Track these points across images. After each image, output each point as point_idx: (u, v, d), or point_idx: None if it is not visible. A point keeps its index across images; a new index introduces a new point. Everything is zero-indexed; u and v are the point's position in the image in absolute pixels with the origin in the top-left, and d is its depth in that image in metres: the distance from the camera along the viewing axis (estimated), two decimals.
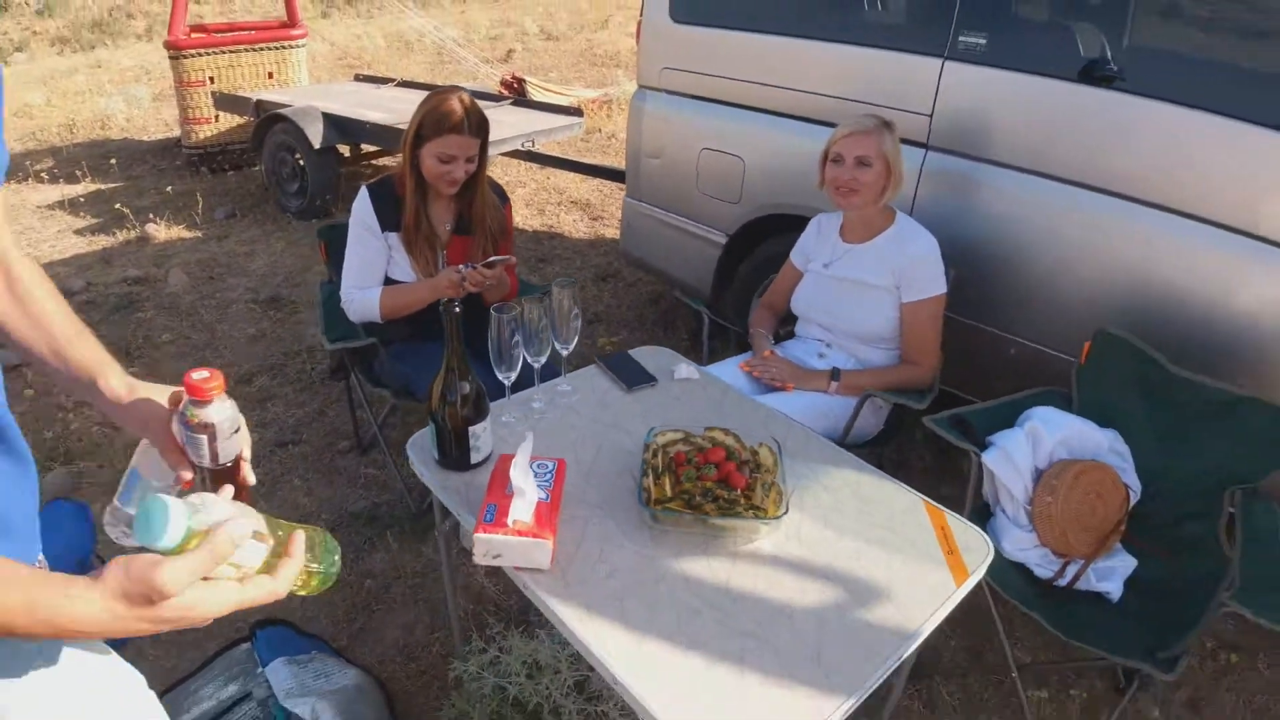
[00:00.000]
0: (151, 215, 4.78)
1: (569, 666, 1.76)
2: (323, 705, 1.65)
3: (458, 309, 1.29)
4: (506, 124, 4.51)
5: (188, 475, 0.89)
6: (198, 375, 0.83)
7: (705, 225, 3.04)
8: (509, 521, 1.15)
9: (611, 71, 9.67)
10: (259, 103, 4.80)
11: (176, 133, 6.28)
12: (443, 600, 2.10)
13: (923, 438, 2.70)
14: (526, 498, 1.17)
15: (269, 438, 2.78)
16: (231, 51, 5.38)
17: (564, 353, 1.58)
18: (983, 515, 1.82)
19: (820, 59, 2.58)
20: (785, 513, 1.25)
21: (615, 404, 1.67)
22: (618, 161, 5.46)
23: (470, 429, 1.33)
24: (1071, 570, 1.70)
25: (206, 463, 0.87)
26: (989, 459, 1.71)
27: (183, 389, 0.85)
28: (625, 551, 1.24)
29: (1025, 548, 1.72)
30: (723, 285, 2.99)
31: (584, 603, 1.14)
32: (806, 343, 2.23)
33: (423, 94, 5.04)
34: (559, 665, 1.77)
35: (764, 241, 2.84)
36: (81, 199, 5.19)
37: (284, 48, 5.60)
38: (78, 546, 1.64)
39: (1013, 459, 1.71)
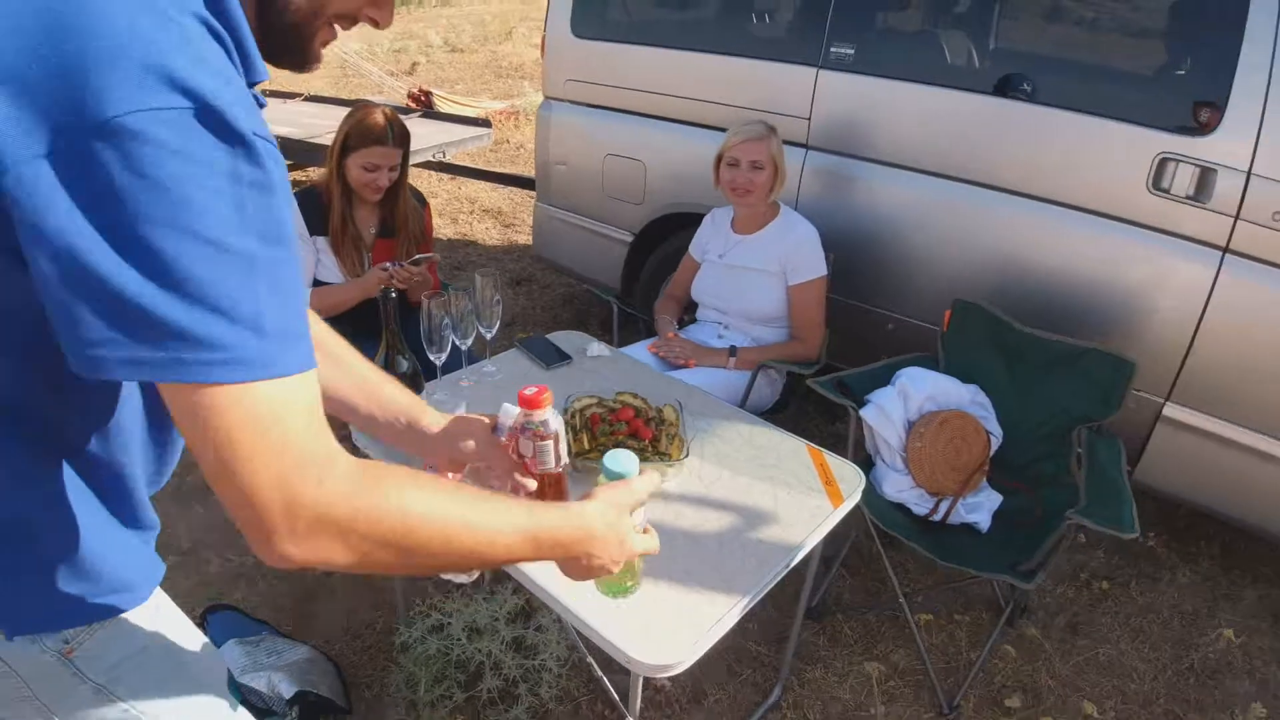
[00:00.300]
0: None
1: (506, 625, 1.94)
2: (279, 676, 1.77)
3: (394, 295, 1.46)
4: (418, 136, 4.60)
5: (532, 485, 1.03)
6: (530, 390, 0.97)
7: (612, 225, 3.26)
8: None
9: (518, 83, 9.83)
10: None
11: None
12: (384, 584, 2.25)
13: (815, 409, 2.98)
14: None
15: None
16: None
17: (488, 336, 1.77)
18: (866, 466, 2.09)
19: (711, 70, 2.85)
20: (686, 457, 1.47)
21: (536, 380, 1.86)
22: (527, 170, 5.64)
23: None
24: (944, 506, 1.98)
25: (551, 466, 1.01)
26: (866, 413, 1.98)
27: (509, 408, 1.00)
28: None
29: (903, 489, 1.99)
30: (631, 280, 3.22)
31: None
32: (706, 326, 2.47)
33: (330, 107, 5.19)
34: (497, 626, 1.94)
35: (666, 238, 3.09)
36: None
37: None
38: None
39: (887, 412, 1.98)
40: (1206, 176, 2.03)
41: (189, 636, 0.93)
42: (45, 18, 0.54)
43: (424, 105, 6.54)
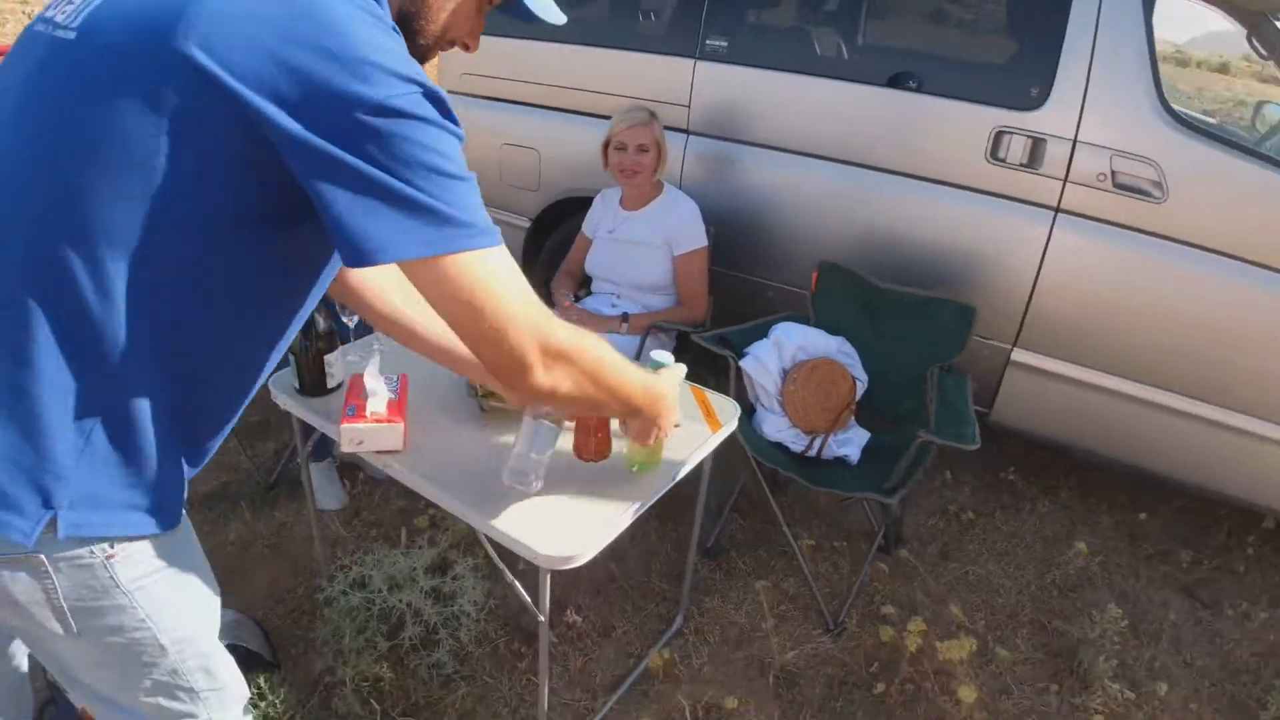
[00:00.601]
0: None
1: (425, 576, 2.08)
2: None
3: None
4: None
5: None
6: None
7: (510, 212, 3.42)
8: (367, 413, 1.47)
9: None
10: None
11: None
12: (301, 554, 2.35)
13: (705, 369, 3.20)
14: (379, 396, 1.50)
15: None
16: None
17: None
18: (750, 413, 2.33)
19: (599, 63, 3.05)
20: None
21: None
22: None
23: (325, 358, 1.64)
24: (818, 443, 2.24)
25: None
26: (745, 364, 2.22)
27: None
28: (461, 433, 1.60)
29: (781, 429, 2.24)
30: (531, 262, 3.38)
31: (432, 471, 1.48)
32: (600, 297, 2.67)
33: None
34: (415, 577, 2.08)
35: (562, 222, 3.27)
36: None
37: None
38: None
39: (763, 362, 2.22)
40: (1038, 146, 2.36)
41: (203, 569, 1.08)
42: (299, 23, 0.81)
43: None
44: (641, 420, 1.32)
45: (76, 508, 0.88)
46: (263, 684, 1.79)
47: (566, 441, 1.49)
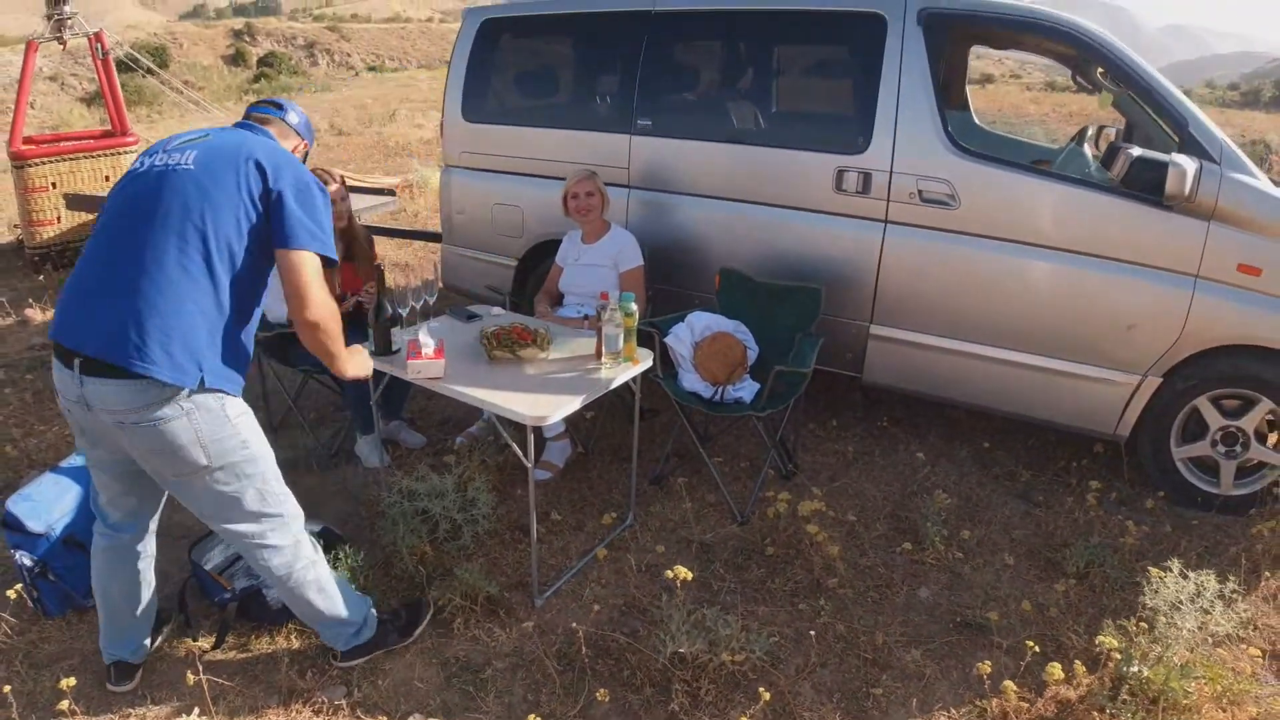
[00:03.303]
0: (30, 301, 5.71)
1: (454, 491, 3.16)
2: (308, 525, 2.95)
3: (383, 270, 2.75)
4: None
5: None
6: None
7: (501, 255, 4.61)
8: (423, 355, 2.61)
9: (406, 160, 11.19)
10: None
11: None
12: (361, 489, 3.44)
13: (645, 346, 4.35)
14: (429, 346, 2.64)
15: None
16: (72, 159, 6.43)
17: (431, 302, 3.07)
18: (674, 374, 3.44)
19: (563, 141, 4.28)
20: (549, 348, 2.81)
21: (463, 328, 3.17)
22: (428, 229, 6.96)
23: (390, 331, 2.79)
24: (720, 391, 3.35)
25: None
26: (667, 339, 3.35)
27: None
28: (476, 368, 2.75)
29: (694, 384, 3.35)
30: (521, 290, 4.54)
31: (462, 383, 2.61)
32: (570, 307, 3.83)
33: None
34: (447, 491, 3.16)
35: (542, 260, 4.44)
36: None
37: (119, 154, 6.71)
38: None
39: (680, 336, 3.36)
40: (867, 177, 3.54)
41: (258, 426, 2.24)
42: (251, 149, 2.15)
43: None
44: (339, 361, 2.30)
45: (210, 373, 2.03)
46: (347, 550, 2.84)
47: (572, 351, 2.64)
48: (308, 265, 2.07)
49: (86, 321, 1.98)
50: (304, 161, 2.37)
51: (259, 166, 2.07)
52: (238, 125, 2.33)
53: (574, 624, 2.58)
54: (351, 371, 2.37)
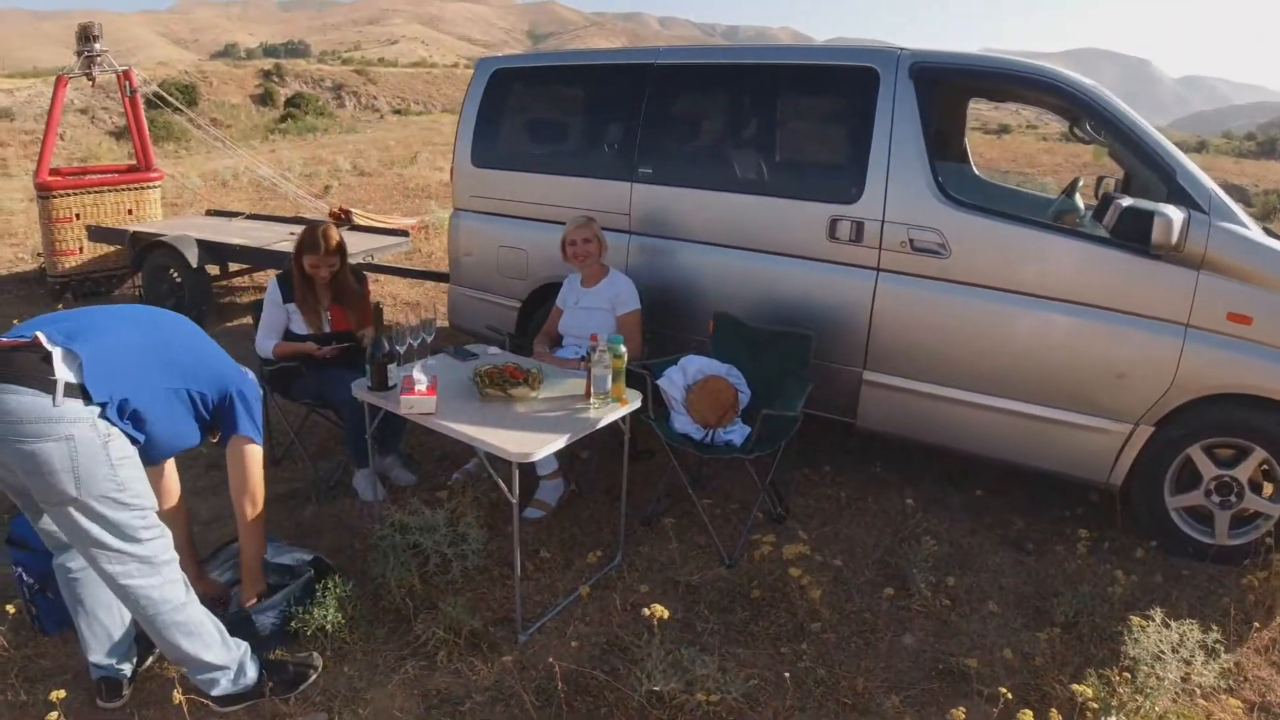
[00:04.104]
0: None
1: (445, 525, 3.23)
2: (299, 554, 3.03)
3: (383, 308, 2.86)
4: (351, 243, 6.08)
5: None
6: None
7: (506, 296, 4.73)
8: (415, 391, 2.70)
9: (424, 202, 11.45)
10: (135, 234, 6.12)
11: (21, 268, 7.34)
12: (355, 521, 3.52)
13: (638, 387, 4.43)
14: (422, 383, 2.73)
15: (204, 460, 4.04)
16: (96, 192, 6.67)
17: (429, 340, 3.17)
18: (666, 415, 3.51)
19: (566, 186, 4.42)
20: (540, 387, 2.89)
21: (458, 366, 3.27)
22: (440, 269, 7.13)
23: (387, 367, 2.89)
24: (711, 434, 3.41)
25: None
26: (660, 381, 3.43)
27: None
28: (468, 406, 2.83)
29: (686, 426, 3.42)
30: (523, 330, 4.65)
31: (453, 419, 2.70)
32: (569, 348, 3.93)
33: (269, 223, 7.20)
34: (438, 525, 3.23)
35: (545, 301, 4.55)
36: None
37: (143, 188, 6.96)
38: None
39: (673, 379, 3.44)
40: (860, 226, 3.63)
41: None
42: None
43: (344, 220, 7.99)
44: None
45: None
46: (336, 580, 2.90)
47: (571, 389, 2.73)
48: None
49: None
50: None
51: None
52: None
53: (553, 660, 2.63)
54: None
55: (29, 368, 2.08)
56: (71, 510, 2.13)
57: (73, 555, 2.39)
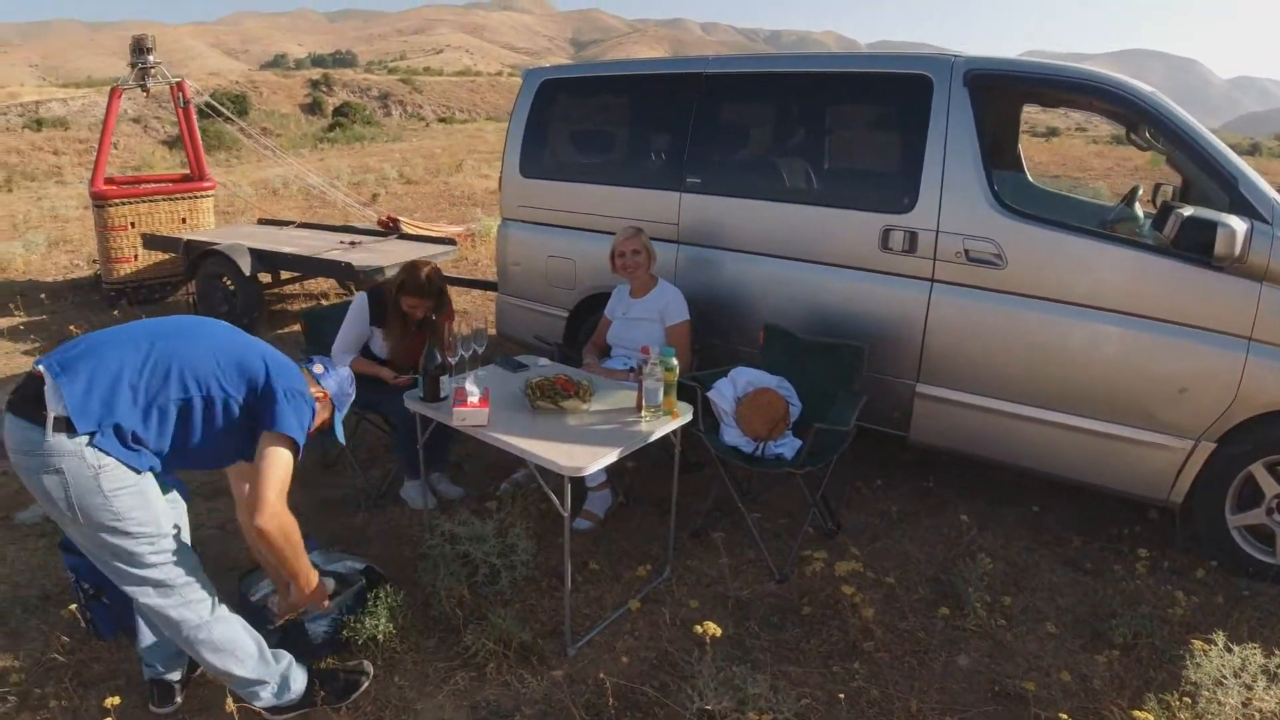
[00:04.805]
0: None
1: (494, 536, 3.25)
2: (351, 562, 3.07)
3: (434, 319, 2.90)
4: (397, 252, 6.18)
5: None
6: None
7: (554, 305, 4.75)
8: (468, 404, 2.73)
9: (470, 210, 11.57)
10: (189, 242, 6.27)
11: (76, 274, 7.56)
12: (403, 535, 3.55)
13: (688, 399, 4.41)
14: (474, 395, 2.76)
15: None
16: (151, 200, 6.85)
17: (480, 350, 3.20)
18: (715, 428, 3.50)
19: (614, 196, 4.43)
20: (591, 399, 2.90)
21: (509, 377, 3.29)
22: (487, 277, 7.19)
23: (440, 379, 2.92)
24: (762, 447, 3.39)
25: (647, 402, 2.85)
26: (710, 394, 3.42)
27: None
28: (519, 417, 2.85)
29: (736, 438, 3.41)
30: (571, 340, 4.67)
31: (504, 432, 2.72)
32: (617, 359, 3.93)
33: (319, 232, 7.31)
34: (487, 536, 3.25)
35: (594, 311, 4.56)
36: (21, 328, 6.40)
37: (196, 197, 7.13)
38: None
39: (722, 392, 3.42)
40: (913, 237, 3.59)
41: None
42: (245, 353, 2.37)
43: (393, 229, 8.10)
44: (297, 589, 2.42)
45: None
46: (387, 589, 2.93)
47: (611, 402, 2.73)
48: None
49: None
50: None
51: None
52: None
53: (603, 675, 2.62)
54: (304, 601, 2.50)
55: (29, 400, 2.12)
56: (79, 536, 2.21)
57: None
